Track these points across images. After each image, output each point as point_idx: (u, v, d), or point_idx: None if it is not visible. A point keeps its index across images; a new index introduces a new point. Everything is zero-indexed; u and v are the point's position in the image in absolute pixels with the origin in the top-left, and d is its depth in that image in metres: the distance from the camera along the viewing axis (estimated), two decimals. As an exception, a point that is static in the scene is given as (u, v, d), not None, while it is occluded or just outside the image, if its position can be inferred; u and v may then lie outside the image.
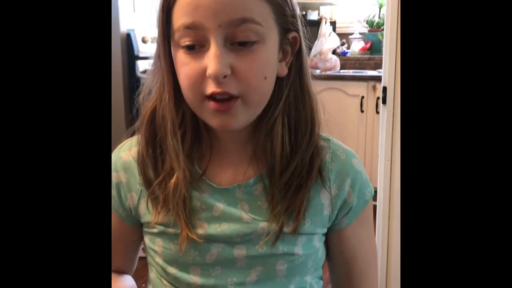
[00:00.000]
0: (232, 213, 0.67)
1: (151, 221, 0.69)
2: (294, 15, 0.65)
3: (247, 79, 0.60)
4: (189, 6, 0.58)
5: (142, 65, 2.49)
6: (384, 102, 1.65)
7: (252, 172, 0.69)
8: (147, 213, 0.69)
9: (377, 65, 3.36)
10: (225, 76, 0.58)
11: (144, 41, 2.49)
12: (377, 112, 2.86)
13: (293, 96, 0.67)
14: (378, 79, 2.83)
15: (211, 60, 0.58)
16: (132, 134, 0.73)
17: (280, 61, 0.66)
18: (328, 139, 0.72)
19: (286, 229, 0.66)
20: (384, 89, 1.64)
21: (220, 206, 0.68)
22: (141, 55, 2.47)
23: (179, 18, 0.60)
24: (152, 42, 2.53)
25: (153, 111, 0.68)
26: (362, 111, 2.98)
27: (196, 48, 0.60)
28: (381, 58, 1.76)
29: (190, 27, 0.59)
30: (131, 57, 2.45)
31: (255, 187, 0.68)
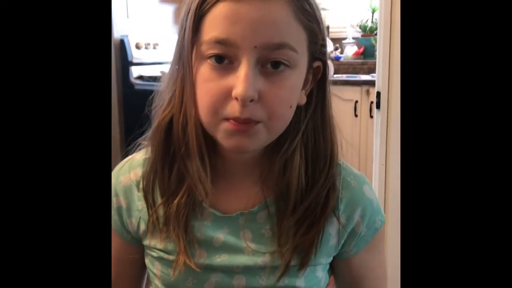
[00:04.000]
0: (233, 243, 0.64)
1: (150, 244, 0.66)
2: (324, 44, 0.62)
3: (273, 106, 0.56)
4: (226, 20, 0.53)
5: (136, 71, 2.49)
6: (378, 106, 1.65)
7: (258, 198, 0.65)
8: (146, 236, 0.67)
9: (371, 70, 3.37)
10: (252, 100, 0.54)
11: (138, 47, 2.49)
12: (371, 117, 2.87)
13: (312, 127, 0.63)
14: (371, 83, 2.84)
15: (241, 81, 0.53)
16: (126, 154, 0.70)
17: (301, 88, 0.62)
18: (339, 164, 0.67)
19: (292, 264, 0.63)
20: (378, 94, 1.64)
21: (221, 236, 0.64)
22: (135, 61, 2.47)
23: (212, 30, 0.55)
24: (146, 48, 2.53)
25: (169, 124, 0.63)
26: (356, 116, 2.99)
27: (224, 63, 0.55)
28: (374, 62, 1.77)
29: (222, 43, 0.54)
30: (124, 63, 2.45)
31: (259, 215, 0.65)
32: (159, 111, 0.64)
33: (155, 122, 0.64)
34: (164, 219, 0.64)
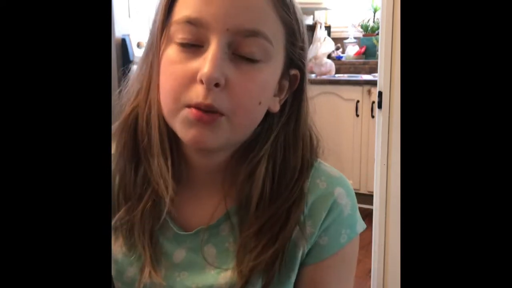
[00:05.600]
0: (194, 261, 0.59)
1: (114, 253, 0.60)
2: (303, 48, 0.58)
3: (240, 97, 0.51)
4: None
5: (137, 70, 2.49)
6: (379, 106, 1.65)
7: (220, 208, 0.59)
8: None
9: (372, 70, 3.37)
10: (217, 85, 0.50)
11: (139, 46, 2.49)
12: (372, 116, 2.87)
13: (283, 138, 0.58)
14: (373, 83, 2.84)
15: (207, 61, 0.49)
16: None
17: (274, 95, 0.57)
18: (313, 165, 0.61)
19: (253, 284, 0.56)
20: (380, 93, 1.64)
21: (182, 252, 0.59)
22: (136, 60, 2.47)
23: (183, 9, 0.51)
24: (147, 47, 2.54)
25: (135, 116, 0.58)
26: (357, 115, 2.99)
27: (192, 48, 0.52)
28: (376, 62, 1.77)
29: (193, 23, 0.51)
30: (126, 62, 2.45)
31: (222, 227, 0.59)
32: (125, 105, 0.60)
33: (120, 117, 0.60)
34: (129, 226, 0.59)
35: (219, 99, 0.50)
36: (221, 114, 0.51)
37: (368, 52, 3.58)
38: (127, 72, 0.65)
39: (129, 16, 2.54)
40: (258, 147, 0.57)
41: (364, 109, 2.98)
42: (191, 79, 0.51)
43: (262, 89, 0.54)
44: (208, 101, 0.50)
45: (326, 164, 0.63)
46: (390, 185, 1.68)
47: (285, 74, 0.57)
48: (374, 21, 3.60)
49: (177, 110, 0.52)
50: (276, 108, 0.58)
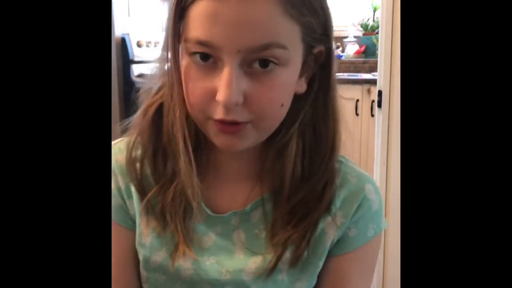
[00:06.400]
0: (224, 246, 0.61)
1: (143, 236, 0.62)
2: (325, 30, 0.55)
3: (261, 107, 0.52)
4: (206, 20, 0.49)
5: (137, 69, 2.49)
6: (379, 105, 1.65)
7: (252, 195, 0.61)
8: (140, 226, 0.62)
9: (372, 69, 3.36)
10: (236, 104, 0.50)
11: (139, 45, 2.49)
12: (372, 115, 2.87)
13: (312, 115, 0.58)
14: (372, 82, 2.84)
15: (223, 86, 0.49)
16: (124, 132, 0.64)
17: (299, 77, 0.56)
18: (341, 162, 0.63)
19: (282, 265, 0.59)
20: (380, 92, 1.64)
21: (212, 237, 0.61)
22: (136, 59, 2.47)
23: (193, 29, 0.50)
24: (147, 46, 2.53)
25: (160, 107, 0.60)
26: (357, 114, 2.99)
27: (209, 61, 0.51)
28: (376, 61, 1.77)
29: (204, 45, 0.50)
30: (126, 61, 2.45)
31: (253, 213, 0.61)
32: (147, 97, 0.61)
33: (142, 106, 0.61)
34: (160, 207, 0.60)
35: (241, 114, 0.51)
36: (245, 123, 0.52)
37: (368, 51, 3.58)
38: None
39: (129, 15, 2.54)
40: (286, 127, 0.58)
41: (364, 108, 2.98)
42: (211, 96, 0.51)
43: (282, 92, 0.53)
44: (230, 118, 0.51)
45: (352, 162, 0.65)
46: (389, 183, 1.68)
47: (307, 56, 0.56)
48: (374, 20, 3.59)
49: (204, 120, 0.54)
50: (302, 89, 0.58)
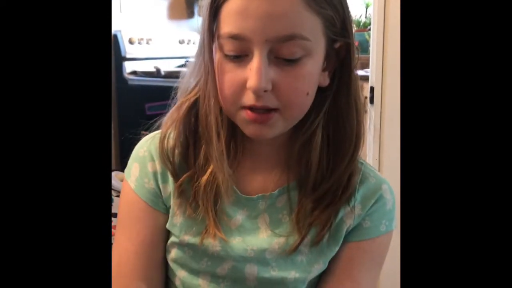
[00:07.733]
0: (250, 227, 0.66)
1: (175, 218, 0.67)
2: (344, 25, 0.61)
3: (288, 95, 0.58)
4: (237, 15, 0.56)
5: (129, 66, 2.47)
6: (371, 102, 1.66)
7: (280, 181, 0.67)
8: (173, 208, 0.68)
9: (364, 65, 3.35)
10: (265, 91, 0.57)
11: (131, 42, 2.48)
12: (364, 112, 2.88)
13: (335, 108, 0.64)
14: (364, 78, 2.83)
15: (253, 74, 0.57)
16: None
17: (322, 70, 0.63)
18: (362, 163, 0.70)
19: (303, 247, 0.65)
20: (372, 89, 1.65)
21: (239, 218, 0.66)
22: (128, 56, 2.45)
23: (225, 25, 0.58)
24: (139, 43, 2.52)
25: (194, 103, 0.66)
26: (349, 111, 2.99)
27: (239, 58, 0.59)
28: (368, 57, 1.77)
29: (235, 38, 0.57)
30: (118, 58, 2.44)
31: (279, 199, 0.67)
32: (185, 92, 0.67)
33: (179, 101, 0.68)
34: (193, 192, 0.65)
35: (270, 100, 0.58)
36: (274, 111, 0.59)
37: (360, 48, 3.56)
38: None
39: (121, 11, 2.52)
40: (312, 118, 0.64)
41: (356, 104, 2.98)
42: (242, 86, 0.58)
43: (307, 82, 0.60)
44: (260, 103, 0.58)
45: (370, 165, 0.72)
46: (382, 180, 1.68)
47: (329, 50, 0.62)
48: (366, 17, 3.60)
49: (235, 111, 0.61)
50: (325, 82, 0.64)
